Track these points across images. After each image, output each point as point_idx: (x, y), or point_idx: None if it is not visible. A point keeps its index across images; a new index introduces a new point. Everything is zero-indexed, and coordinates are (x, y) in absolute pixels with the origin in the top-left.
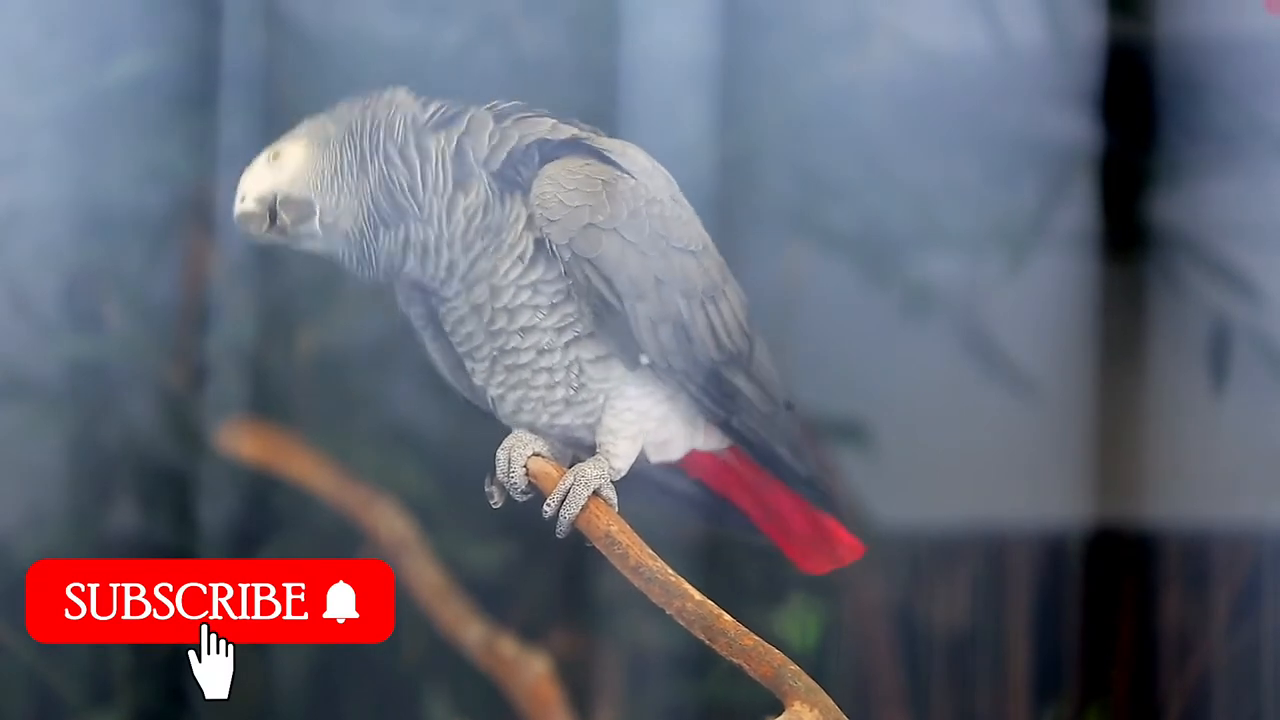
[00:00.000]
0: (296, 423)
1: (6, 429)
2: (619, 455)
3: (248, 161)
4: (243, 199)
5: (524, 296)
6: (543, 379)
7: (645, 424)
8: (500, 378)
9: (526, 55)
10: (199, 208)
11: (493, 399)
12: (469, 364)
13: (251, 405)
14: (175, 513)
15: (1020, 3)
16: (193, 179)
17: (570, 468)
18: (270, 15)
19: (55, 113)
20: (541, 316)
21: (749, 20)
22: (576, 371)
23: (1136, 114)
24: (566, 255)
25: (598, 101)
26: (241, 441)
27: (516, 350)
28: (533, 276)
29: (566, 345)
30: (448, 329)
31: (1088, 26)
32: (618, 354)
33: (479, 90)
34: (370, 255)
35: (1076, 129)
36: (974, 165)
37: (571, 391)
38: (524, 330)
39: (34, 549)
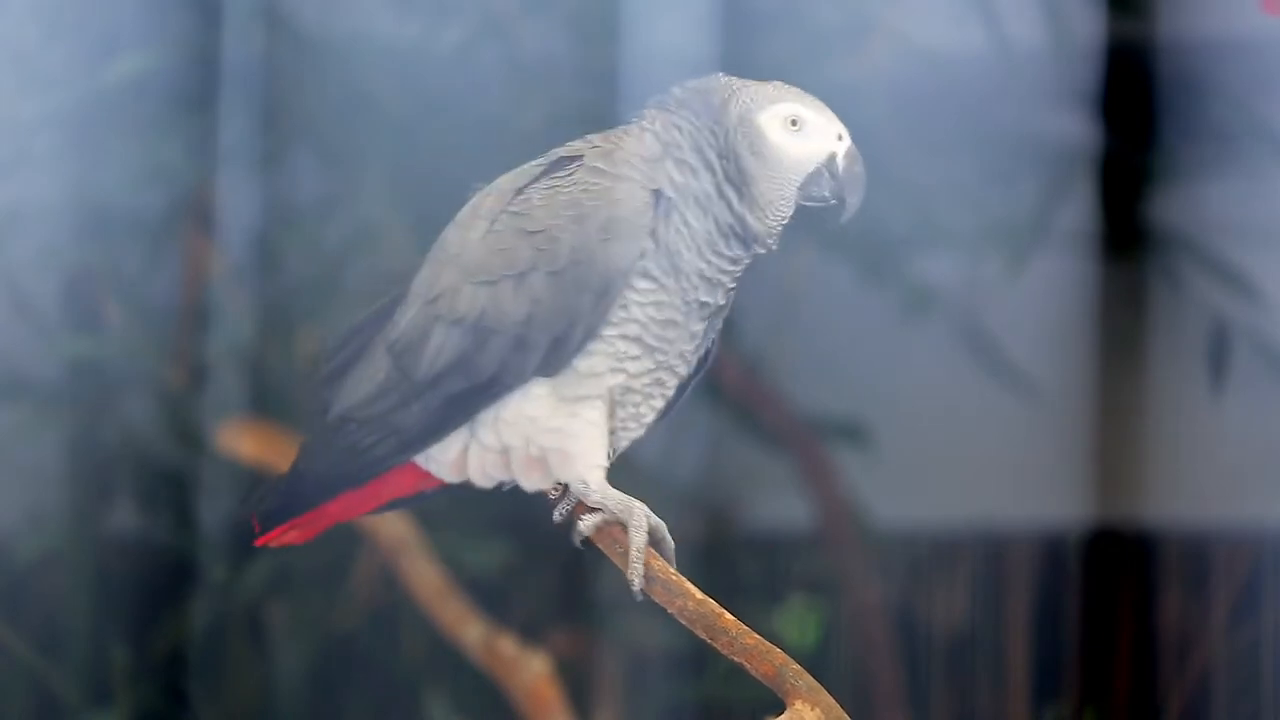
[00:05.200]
0: (296, 423)
1: (6, 429)
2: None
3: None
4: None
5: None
6: (659, 392)
7: None
8: (650, 388)
9: (526, 55)
10: (199, 208)
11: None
12: (615, 370)
13: (251, 405)
14: (175, 513)
15: (1020, 3)
16: (193, 179)
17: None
18: (270, 15)
19: (55, 113)
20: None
21: (749, 20)
22: (677, 390)
23: (1136, 114)
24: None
25: (598, 101)
26: (241, 441)
27: (683, 358)
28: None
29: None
30: (647, 324)
31: (1088, 26)
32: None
33: (479, 90)
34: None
35: (1076, 129)
36: (974, 165)
37: (663, 405)
38: (705, 334)
39: (34, 549)
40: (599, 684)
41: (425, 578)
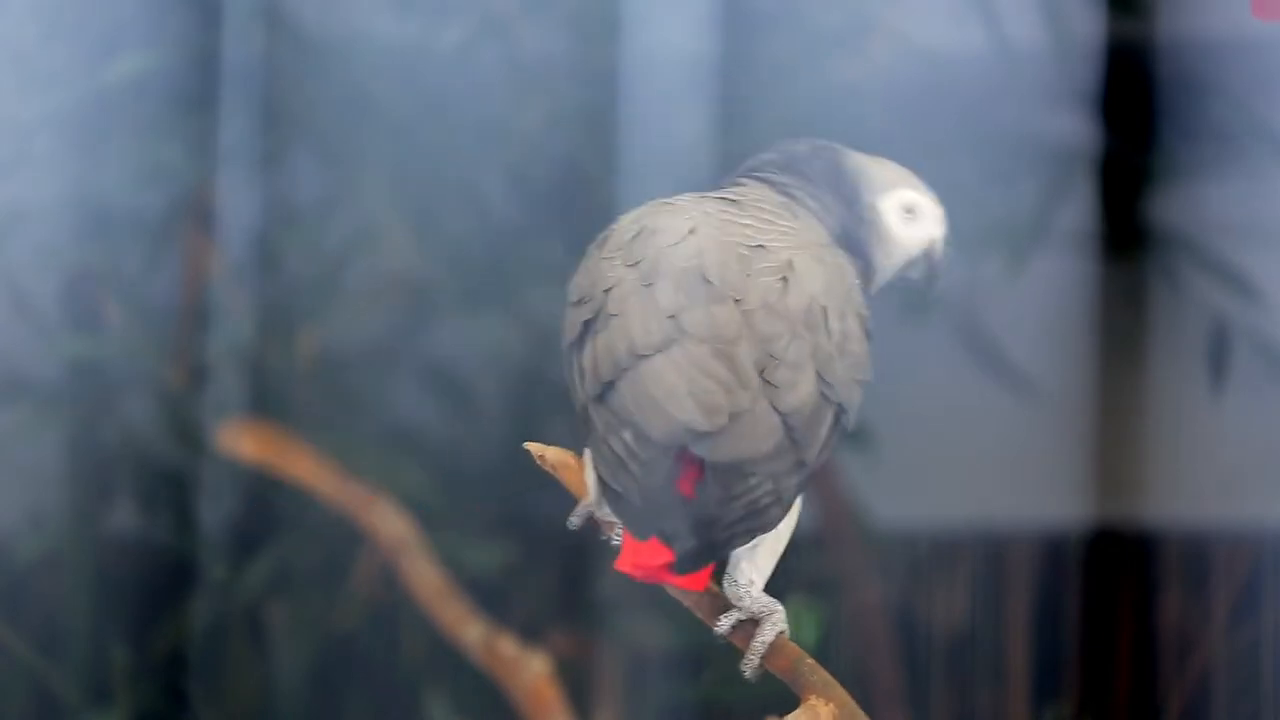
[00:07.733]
0: (296, 423)
1: (6, 429)
2: None
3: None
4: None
5: None
6: None
7: None
8: None
9: (526, 55)
10: (199, 208)
11: None
12: None
13: (251, 405)
14: (175, 513)
15: (1020, 3)
16: (193, 179)
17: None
18: (270, 15)
19: (55, 113)
20: None
21: (749, 20)
22: None
23: (1136, 114)
24: None
25: (598, 101)
26: (241, 441)
27: None
28: None
29: None
30: None
31: (1088, 26)
32: None
33: (479, 90)
34: None
35: (1076, 129)
36: (974, 165)
37: None
38: None
39: (34, 549)
40: (599, 684)
41: (425, 578)
